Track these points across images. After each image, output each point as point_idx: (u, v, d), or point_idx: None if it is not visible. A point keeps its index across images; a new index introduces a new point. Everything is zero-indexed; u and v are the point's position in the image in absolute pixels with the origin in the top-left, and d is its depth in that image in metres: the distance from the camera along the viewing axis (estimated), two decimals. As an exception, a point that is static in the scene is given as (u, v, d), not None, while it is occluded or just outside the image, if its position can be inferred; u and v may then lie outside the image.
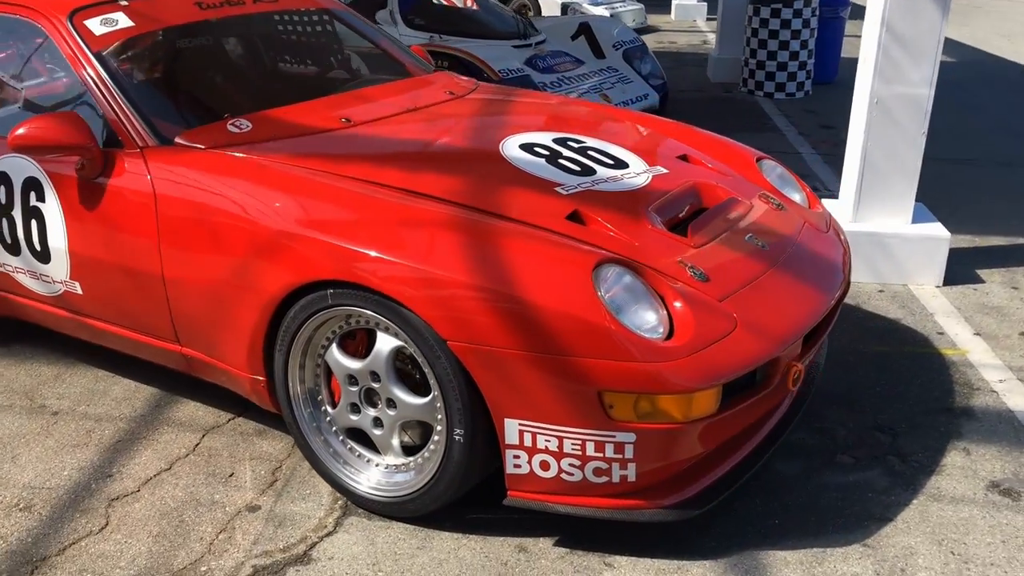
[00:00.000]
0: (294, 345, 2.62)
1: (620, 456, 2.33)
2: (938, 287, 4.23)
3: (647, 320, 2.34)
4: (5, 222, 3.16)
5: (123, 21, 3.14)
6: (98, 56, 3.01)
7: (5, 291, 3.35)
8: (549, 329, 2.26)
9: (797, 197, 3.28)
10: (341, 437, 2.71)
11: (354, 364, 2.56)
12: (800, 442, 2.99)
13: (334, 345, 2.59)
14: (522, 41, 7.41)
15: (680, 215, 2.84)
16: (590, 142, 3.14)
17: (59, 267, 3.09)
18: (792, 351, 2.52)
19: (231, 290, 2.67)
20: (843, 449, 2.96)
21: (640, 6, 12.98)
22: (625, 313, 2.32)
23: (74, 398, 3.30)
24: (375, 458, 2.67)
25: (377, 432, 2.61)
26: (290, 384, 2.68)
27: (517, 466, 2.41)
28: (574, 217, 2.62)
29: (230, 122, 2.94)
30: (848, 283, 2.95)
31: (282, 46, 3.77)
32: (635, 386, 2.25)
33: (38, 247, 3.10)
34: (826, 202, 4.19)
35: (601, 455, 2.33)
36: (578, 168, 2.91)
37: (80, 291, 3.11)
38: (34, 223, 3.09)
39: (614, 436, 2.30)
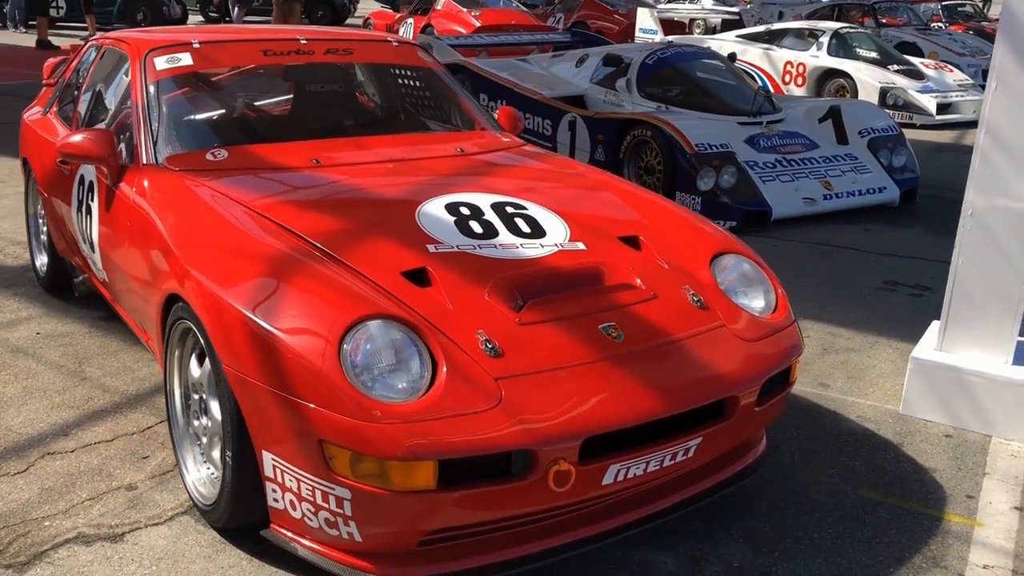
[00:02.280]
0: (169, 344, 2.92)
1: (341, 511, 2.31)
2: (1031, 446, 3.46)
3: (396, 381, 2.31)
4: (81, 217, 3.84)
5: (185, 60, 3.69)
6: (148, 86, 3.58)
7: (90, 273, 4.06)
8: (290, 370, 2.33)
9: (756, 302, 2.94)
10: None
11: (194, 374, 2.80)
12: (653, 564, 2.67)
13: (194, 354, 2.85)
14: (751, 119, 7.14)
15: (554, 293, 2.70)
16: (531, 209, 3.08)
17: (97, 257, 3.70)
18: (564, 450, 2.31)
19: (151, 291, 3.04)
20: (696, 585, 2.60)
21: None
22: (368, 370, 2.31)
23: (108, 371, 3.88)
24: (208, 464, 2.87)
25: (204, 440, 2.81)
26: (167, 372, 2.97)
27: (275, 500, 2.48)
28: (416, 275, 2.64)
29: (210, 151, 3.34)
30: (752, 404, 2.61)
31: (332, 93, 4.12)
32: (346, 442, 2.24)
33: (92, 239, 3.73)
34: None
35: (327, 506, 2.33)
36: (480, 231, 2.90)
37: (108, 280, 3.69)
38: (88, 219, 3.73)
39: (333, 489, 2.30)
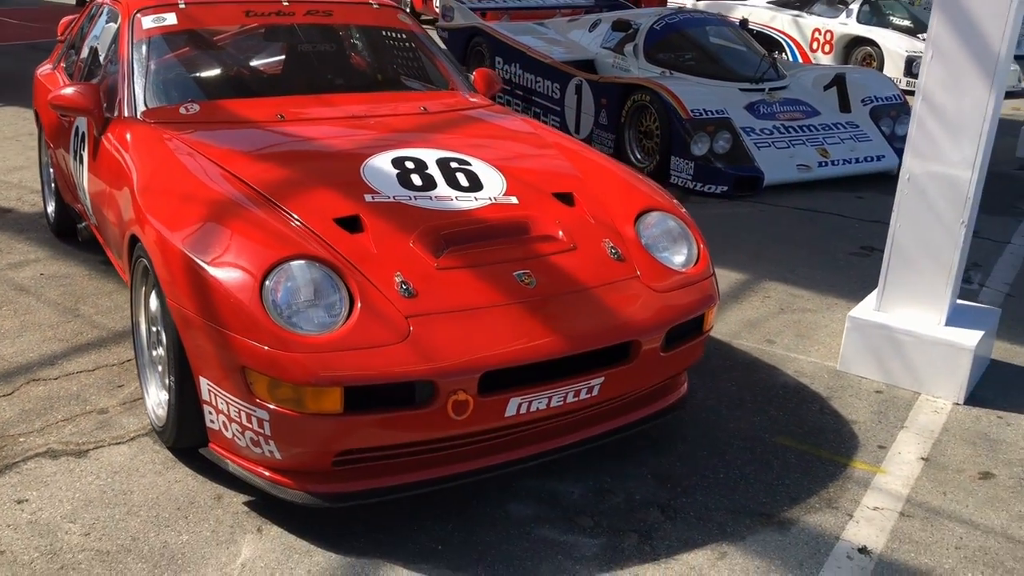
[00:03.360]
0: (135, 280, 3.20)
1: (263, 432, 2.57)
2: (957, 404, 3.59)
3: (313, 316, 2.55)
4: (76, 166, 4.13)
5: (170, 19, 3.94)
6: (134, 43, 3.83)
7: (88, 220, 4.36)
8: (218, 304, 2.58)
9: (677, 257, 3.12)
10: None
11: (152, 308, 3.07)
12: (561, 493, 2.90)
13: (154, 290, 3.12)
14: (753, 85, 7.21)
15: (479, 241, 2.91)
16: (474, 165, 3.29)
17: (88, 203, 3.99)
18: (463, 382, 2.53)
19: (122, 232, 3.32)
20: (595, 512, 2.82)
21: (1017, 68, 11.51)
22: (289, 305, 2.55)
23: (101, 309, 4.20)
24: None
25: (160, 368, 3.09)
26: (133, 307, 3.26)
27: (211, 421, 2.75)
28: (348, 222, 2.87)
29: (183, 105, 3.60)
30: (640, 348, 2.80)
31: (310, 53, 4.34)
32: (263, 369, 2.49)
33: (84, 186, 4.02)
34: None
35: (251, 426, 2.60)
36: (419, 183, 3.11)
37: (98, 224, 3.99)
38: (80, 167, 4.02)
39: (255, 411, 2.56)
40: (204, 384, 2.70)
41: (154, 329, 3.09)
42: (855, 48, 11.79)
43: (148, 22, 3.91)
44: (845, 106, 7.28)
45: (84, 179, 3.95)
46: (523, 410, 2.67)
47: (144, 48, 3.83)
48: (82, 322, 4.08)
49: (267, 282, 2.57)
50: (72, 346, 3.85)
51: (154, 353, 3.13)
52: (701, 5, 13.91)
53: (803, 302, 4.63)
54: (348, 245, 2.77)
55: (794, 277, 4.97)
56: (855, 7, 12.00)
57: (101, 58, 4.22)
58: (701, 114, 6.56)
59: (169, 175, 3.13)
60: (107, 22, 4.30)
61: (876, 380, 3.76)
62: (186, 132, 3.41)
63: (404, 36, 4.51)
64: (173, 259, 2.75)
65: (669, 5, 14.32)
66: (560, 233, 3.01)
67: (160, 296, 2.82)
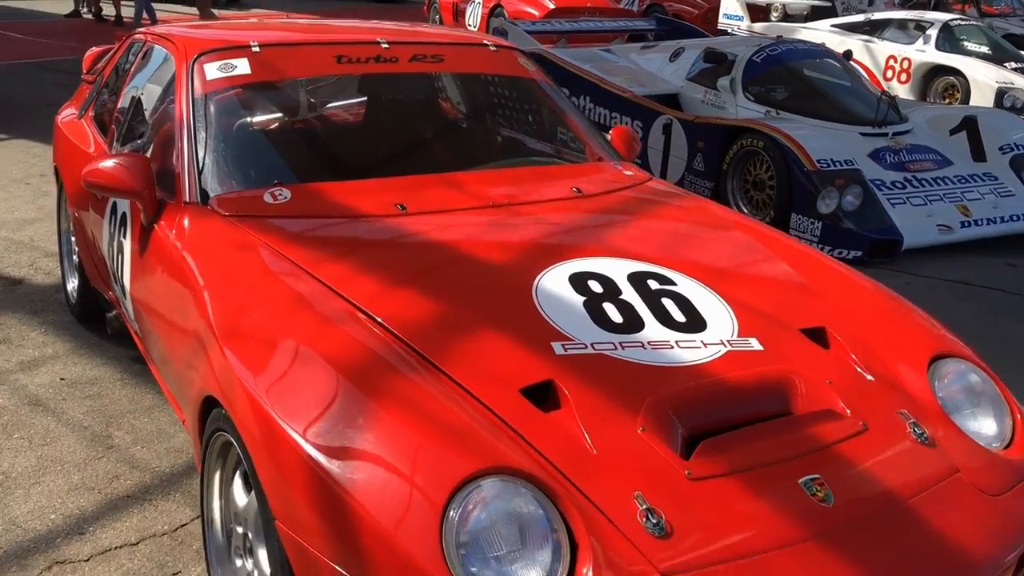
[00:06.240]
0: (208, 457, 2.24)
1: None
2: None
3: (514, 573, 1.60)
4: (112, 253, 3.18)
5: (241, 68, 2.99)
6: (195, 100, 2.89)
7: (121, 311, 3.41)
8: (366, 547, 1.63)
9: (986, 428, 2.18)
10: None
11: (238, 501, 2.12)
12: None
13: (238, 474, 2.17)
14: (875, 129, 6.28)
15: (726, 419, 1.97)
16: (681, 284, 2.34)
17: (129, 305, 3.04)
18: None
19: (188, 378, 2.37)
20: None
21: None
22: (479, 555, 1.60)
23: (139, 435, 3.23)
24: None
25: (248, 586, 2.14)
26: (204, 490, 2.30)
27: None
28: (539, 392, 1.92)
29: (270, 191, 2.65)
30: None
31: (418, 112, 3.40)
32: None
33: (124, 283, 3.07)
34: None
35: None
36: (620, 321, 2.16)
37: (140, 332, 3.04)
38: (120, 258, 3.07)
39: None
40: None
41: (240, 531, 2.13)
42: (935, 78, 10.85)
43: (214, 71, 2.96)
44: (979, 154, 6.33)
45: (125, 274, 3.00)
46: None
47: (210, 107, 2.88)
48: (117, 458, 3.11)
49: (449, 512, 1.62)
50: (107, 501, 2.89)
51: (238, 563, 2.17)
52: (758, 27, 13.00)
53: None
54: (551, 438, 1.82)
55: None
56: (932, 32, 11.07)
57: (147, 114, 3.27)
58: (829, 165, 5.62)
59: (269, 310, 2.16)
60: (155, 66, 3.35)
61: None
62: (280, 233, 2.45)
63: (525, 87, 3.56)
64: (287, 456, 1.79)
65: (721, 28, 13.46)
66: (841, 404, 2.06)
67: (263, 507, 1.87)
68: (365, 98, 3.49)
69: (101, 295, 3.70)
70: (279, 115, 3.16)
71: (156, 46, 3.39)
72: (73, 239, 4.07)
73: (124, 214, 3.01)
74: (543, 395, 1.93)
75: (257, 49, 3.05)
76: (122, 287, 3.07)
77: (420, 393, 1.85)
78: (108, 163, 2.76)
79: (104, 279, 3.51)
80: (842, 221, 5.56)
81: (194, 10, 14.39)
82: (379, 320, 2.07)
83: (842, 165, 5.67)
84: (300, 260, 2.31)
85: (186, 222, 2.61)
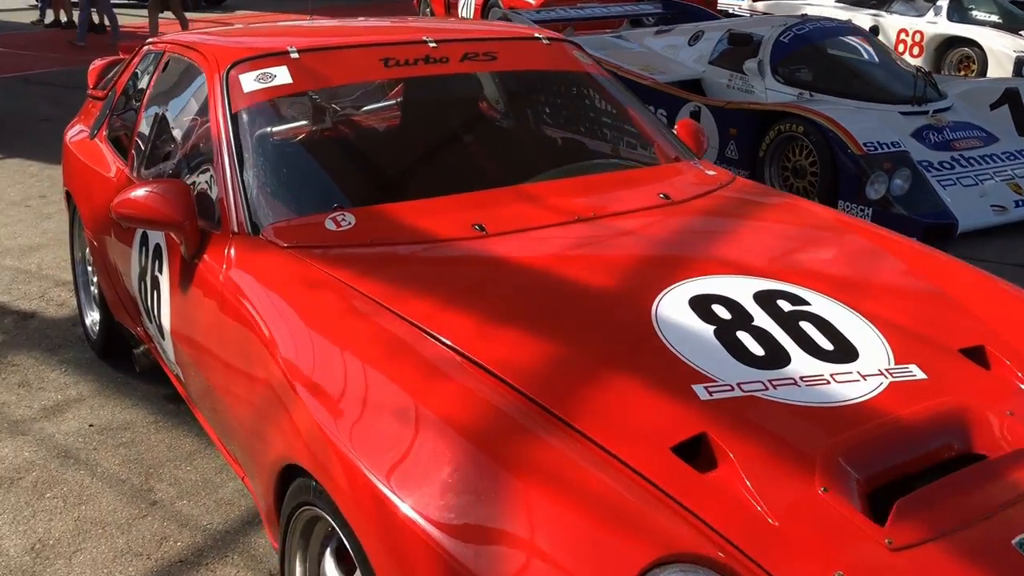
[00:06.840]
0: (289, 533, 1.94)
1: None
2: None
3: None
4: (144, 289, 2.88)
5: (281, 77, 2.68)
6: (233, 117, 2.57)
7: (152, 347, 3.10)
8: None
9: None
10: None
11: (337, 590, 1.82)
12: None
13: (328, 551, 1.87)
14: (915, 107, 5.99)
15: (904, 466, 1.68)
16: (816, 303, 2.05)
17: (169, 347, 2.73)
18: None
19: (259, 439, 2.07)
20: None
21: None
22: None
23: (184, 487, 2.94)
24: None
25: None
26: (285, 569, 2.00)
27: None
28: (690, 449, 1.63)
29: (331, 216, 2.34)
30: None
31: (475, 116, 3.09)
32: None
33: (161, 323, 2.76)
34: None
35: None
36: (761, 353, 1.87)
37: (183, 378, 2.73)
38: (155, 295, 2.76)
39: None
40: None
41: (336, 620, 1.84)
42: (949, 50, 10.57)
43: (250, 82, 2.64)
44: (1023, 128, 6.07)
45: (163, 313, 2.69)
46: None
47: (252, 122, 2.57)
48: (163, 516, 2.81)
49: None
50: (159, 568, 2.59)
51: (335, 658, 1.88)
52: (759, 6, 12.70)
53: None
54: (719, 506, 1.52)
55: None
56: (943, 3, 10.79)
57: (175, 132, 2.96)
58: (875, 148, 5.33)
59: (358, 359, 1.86)
60: (179, 79, 3.04)
61: None
62: (350, 265, 2.14)
63: (581, 82, 3.25)
64: (405, 541, 1.49)
65: (721, 8, 13.12)
66: (1029, 439, 1.77)
67: (376, 602, 1.57)
68: (397, 101, 3.18)
69: (127, 329, 3.39)
70: (326, 127, 2.85)
71: (177, 56, 3.07)
72: (90, 268, 3.76)
73: (158, 245, 2.70)
74: (694, 451, 1.64)
75: (296, 55, 2.74)
76: (159, 327, 2.76)
77: (563, 461, 1.55)
78: (141, 192, 2.44)
79: (131, 314, 3.20)
80: (893, 206, 5.28)
81: (146, 16, 13.17)
82: (486, 368, 1.77)
83: (889, 147, 5.38)
84: (381, 297, 2.00)
85: (238, 256, 2.30)
